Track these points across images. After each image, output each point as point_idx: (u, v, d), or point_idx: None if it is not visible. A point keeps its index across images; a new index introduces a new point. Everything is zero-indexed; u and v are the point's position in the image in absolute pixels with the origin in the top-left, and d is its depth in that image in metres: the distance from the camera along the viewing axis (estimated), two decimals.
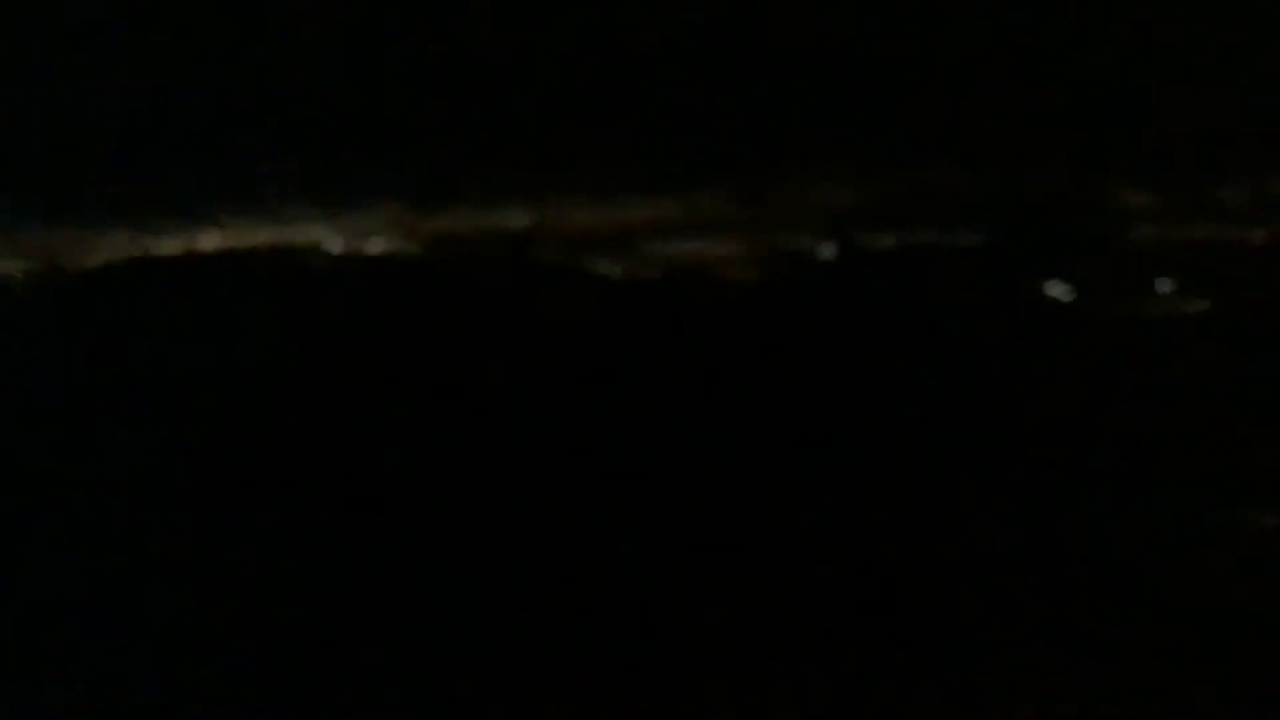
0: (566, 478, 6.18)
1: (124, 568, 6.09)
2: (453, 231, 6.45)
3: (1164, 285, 6.01)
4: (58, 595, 5.92)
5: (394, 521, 6.07)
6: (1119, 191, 6.10)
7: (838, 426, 6.09)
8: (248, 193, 6.60)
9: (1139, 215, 6.10)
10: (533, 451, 6.25)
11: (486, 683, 5.47)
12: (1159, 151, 6.19)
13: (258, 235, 6.60)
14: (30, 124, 6.75)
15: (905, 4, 6.25)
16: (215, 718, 5.50)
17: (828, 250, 6.15)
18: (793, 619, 5.59)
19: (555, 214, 6.42)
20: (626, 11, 6.36)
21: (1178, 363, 5.91)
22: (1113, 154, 6.18)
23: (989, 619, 5.52)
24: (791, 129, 6.30)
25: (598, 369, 6.34)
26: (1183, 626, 5.25)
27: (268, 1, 6.46)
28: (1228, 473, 5.62)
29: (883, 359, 6.11)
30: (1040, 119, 6.20)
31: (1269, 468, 5.62)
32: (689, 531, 5.96)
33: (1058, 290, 5.98)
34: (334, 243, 6.54)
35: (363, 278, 6.53)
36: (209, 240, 6.63)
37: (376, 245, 6.49)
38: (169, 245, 6.67)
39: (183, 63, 6.61)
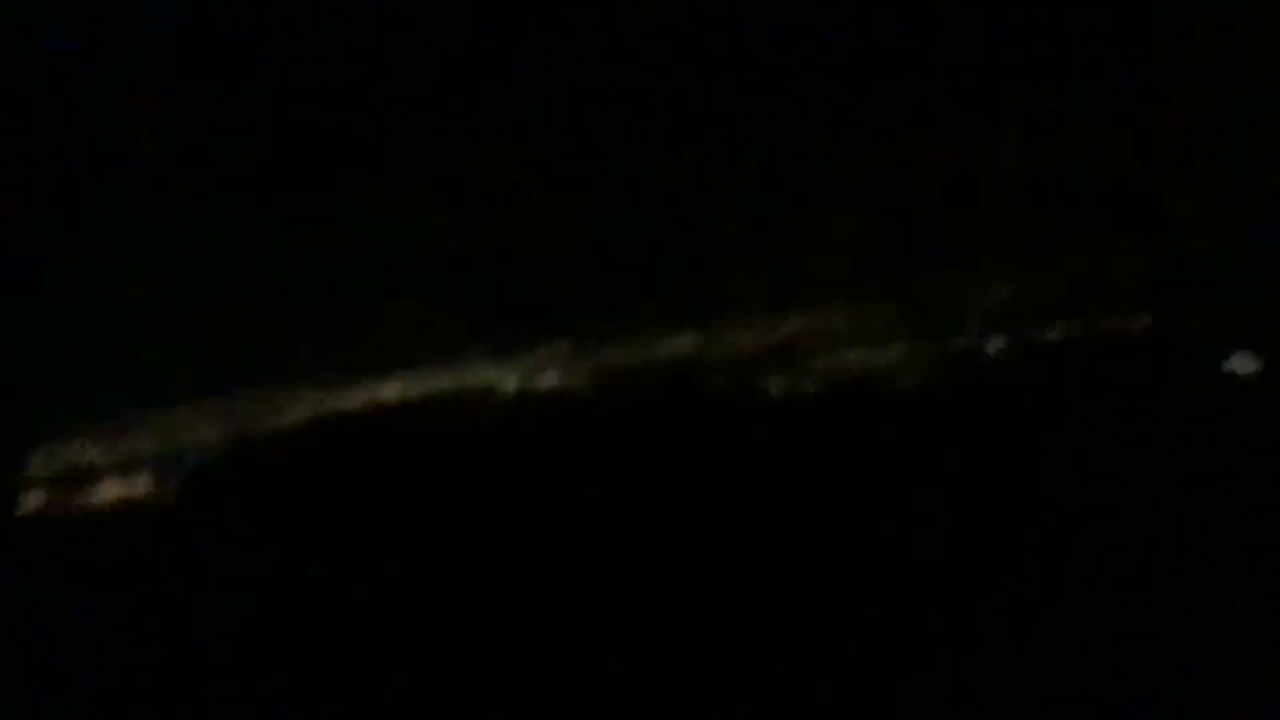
0: (735, 595, 6.01)
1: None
2: (622, 363, 6.37)
3: None
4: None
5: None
6: None
7: (1017, 525, 5.79)
8: (424, 341, 6.65)
9: None
10: (708, 567, 6.11)
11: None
12: None
13: (435, 382, 6.61)
14: (213, 291, 6.95)
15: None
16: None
17: (995, 346, 5.88)
18: None
19: (721, 335, 6.30)
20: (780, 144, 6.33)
21: None
22: None
23: None
24: (950, 228, 6.10)
25: (769, 490, 6.16)
26: None
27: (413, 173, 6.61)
28: None
29: (1061, 454, 5.79)
30: (1212, 185, 5.88)
31: None
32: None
33: (1241, 364, 5.58)
34: (508, 383, 6.51)
35: (536, 416, 6.49)
36: (390, 391, 6.66)
37: (548, 381, 6.44)
38: (352, 400, 6.73)
39: (353, 222, 6.77)
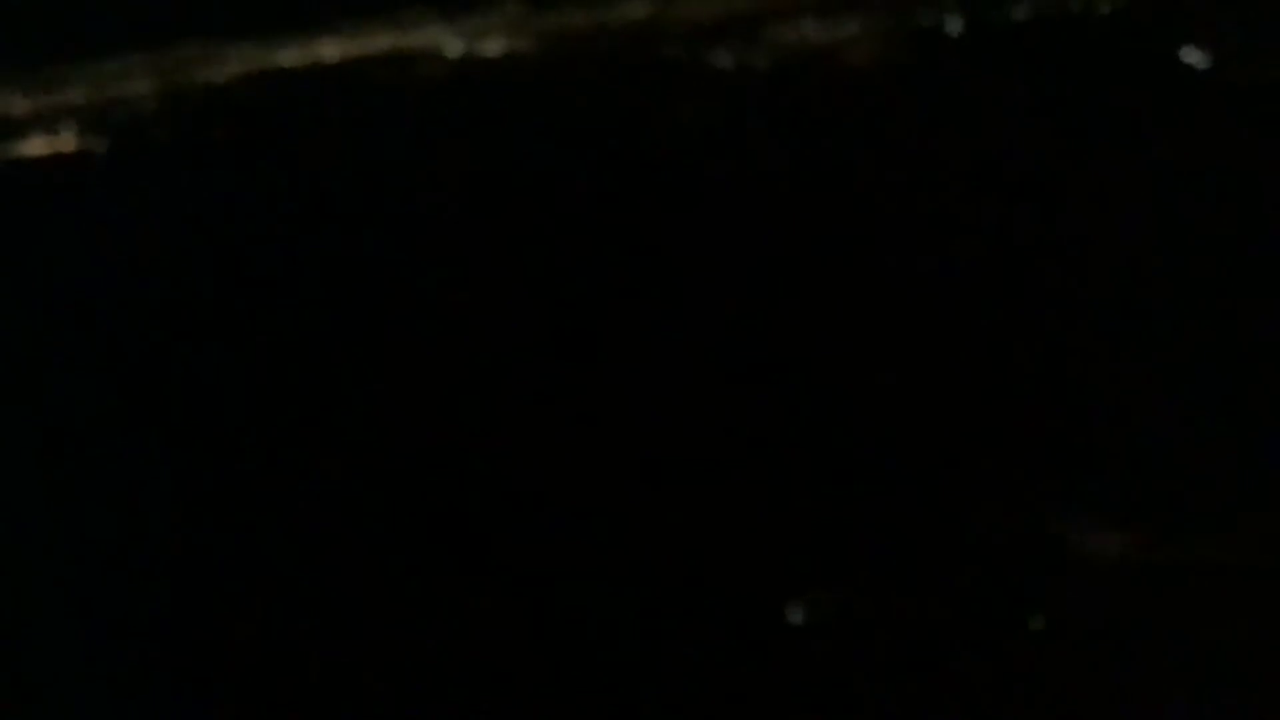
0: (686, 284, 5.98)
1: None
2: (572, 28, 6.22)
3: None
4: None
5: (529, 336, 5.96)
6: None
7: (964, 214, 5.76)
8: None
9: None
10: (651, 254, 6.05)
11: None
12: None
13: (378, 41, 6.45)
14: None
15: None
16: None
17: (954, 25, 5.80)
18: None
19: (676, 3, 6.16)
20: None
21: None
22: None
23: None
24: None
25: (718, 165, 6.09)
26: None
27: None
28: None
29: (1011, 139, 5.75)
30: None
31: None
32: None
33: (1193, 57, 5.54)
34: (453, 46, 6.36)
35: (481, 81, 6.35)
36: (330, 49, 6.50)
37: (494, 46, 6.29)
38: (292, 56, 6.55)
39: None
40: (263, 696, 5.41)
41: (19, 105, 7.01)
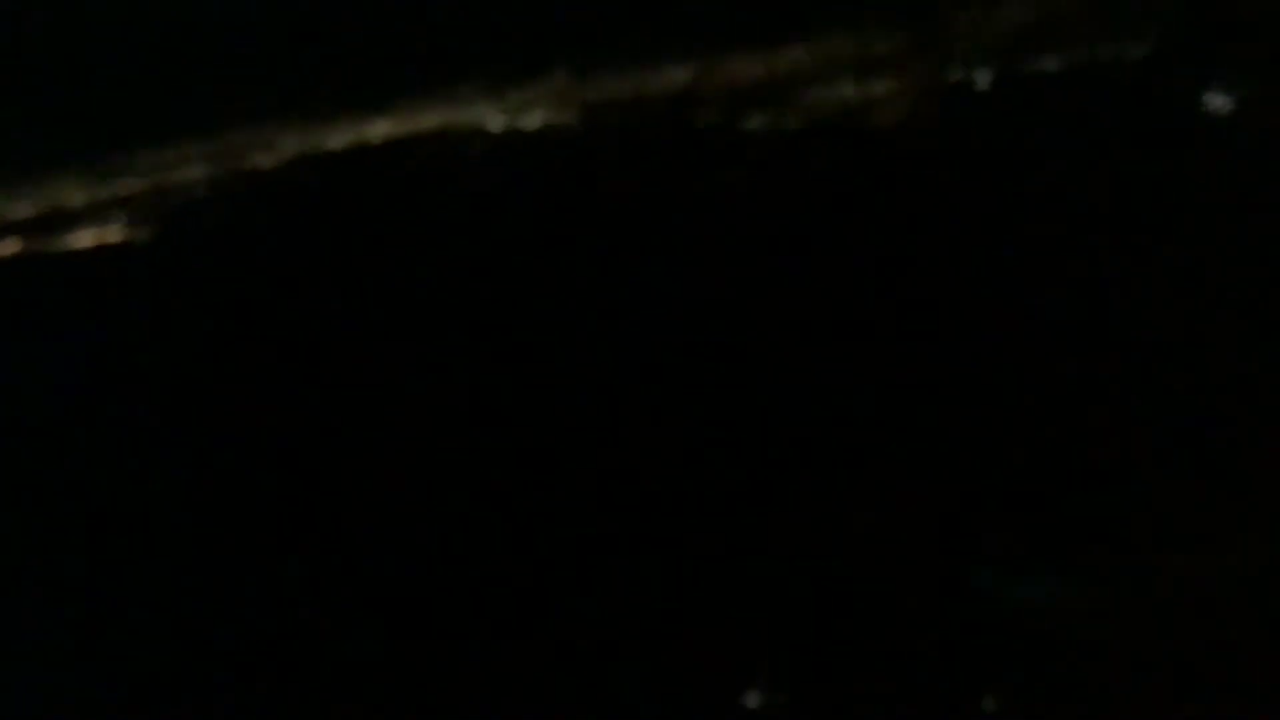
0: (726, 339, 6.03)
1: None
2: (612, 98, 6.38)
3: None
4: None
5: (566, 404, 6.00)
6: None
7: (998, 256, 5.83)
8: (411, 77, 6.64)
9: None
10: (691, 310, 6.11)
11: None
12: None
13: (424, 119, 6.61)
14: (201, 27, 6.89)
15: None
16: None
17: (984, 79, 5.92)
18: None
19: (715, 68, 6.30)
20: None
21: None
22: None
23: None
24: None
25: (755, 228, 6.19)
26: None
27: None
28: None
29: (1037, 186, 5.84)
30: None
31: None
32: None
33: (1216, 103, 5.64)
34: (495, 121, 6.51)
35: (522, 155, 6.48)
36: (376, 129, 6.66)
37: (535, 119, 6.45)
38: (339, 138, 6.72)
39: None
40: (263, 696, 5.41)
41: (74, 197, 7.18)
